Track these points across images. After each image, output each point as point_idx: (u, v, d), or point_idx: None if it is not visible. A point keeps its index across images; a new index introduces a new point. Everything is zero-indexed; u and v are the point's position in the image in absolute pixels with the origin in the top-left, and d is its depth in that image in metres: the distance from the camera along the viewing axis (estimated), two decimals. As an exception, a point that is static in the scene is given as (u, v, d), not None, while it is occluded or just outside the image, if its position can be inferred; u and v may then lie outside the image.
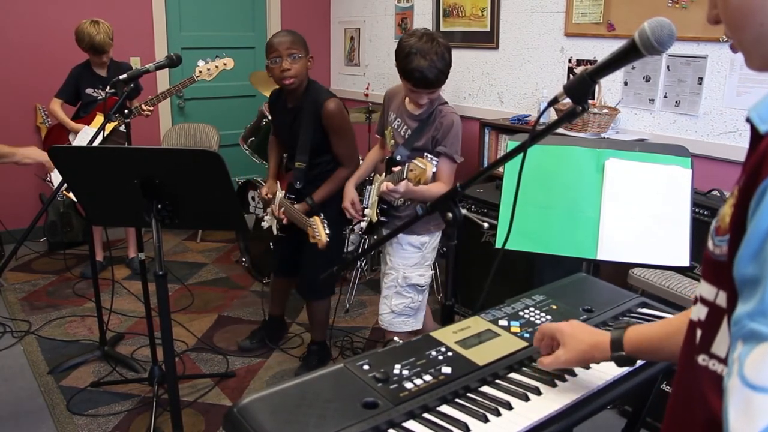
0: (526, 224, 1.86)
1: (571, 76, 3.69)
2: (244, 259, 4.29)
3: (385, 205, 2.52)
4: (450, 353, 1.29)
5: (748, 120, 0.69)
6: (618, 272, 2.63)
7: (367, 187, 2.72)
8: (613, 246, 1.81)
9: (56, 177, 3.30)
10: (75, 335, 3.38)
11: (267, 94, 4.23)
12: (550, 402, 1.18)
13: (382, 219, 2.50)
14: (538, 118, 1.37)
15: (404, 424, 1.09)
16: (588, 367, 1.28)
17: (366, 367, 1.21)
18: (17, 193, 4.59)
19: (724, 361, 0.71)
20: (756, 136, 0.69)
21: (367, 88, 5.37)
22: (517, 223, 1.41)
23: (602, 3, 3.50)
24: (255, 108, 4.34)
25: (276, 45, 2.66)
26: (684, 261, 1.78)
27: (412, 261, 2.52)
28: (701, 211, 2.55)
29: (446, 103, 2.47)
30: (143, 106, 3.21)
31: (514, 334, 1.39)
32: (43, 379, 2.94)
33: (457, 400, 1.17)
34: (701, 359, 0.74)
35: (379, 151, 2.75)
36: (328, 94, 2.75)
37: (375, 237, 2.80)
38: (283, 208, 2.77)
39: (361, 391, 1.14)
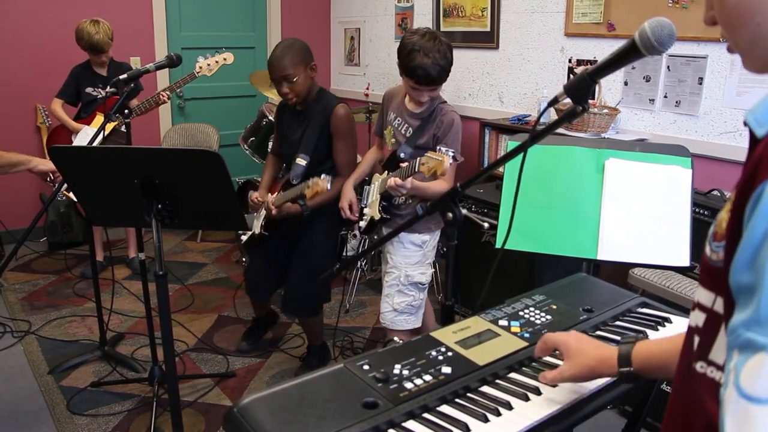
0: (526, 224, 1.86)
1: (571, 76, 3.69)
2: (244, 259, 4.29)
3: (386, 203, 2.53)
4: (450, 353, 1.29)
5: (745, 123, 0.68)
6: (618, 272, 2.63)
7: (365, 187, 2.72)
8: (613, 246, 1.81)
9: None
10: (75, 335, 3.38)
11: (267, 94, 4.24)
12: (550, 402, 1.17)
13: (385, 216, 2.51)
14: (538, 118, 1.37)
15: (404, 424, 1.09)
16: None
17: (366, 367, 1.21)
18: (17, 193, 4.59)
19: (722, 368, 0.70)
20: (753, 139, 0.68)
21: (367, 88, 5.37)
22: (517, 223, 1.41)
23: (602, 3, 3.50)
24: (255, 108, 4.35)
25: (272, 70, 2.66)
26: (684, 261, 1.78)
27: (413, 259, 2.53)
28: (701, 211, 2.55)
29: (445, 102, 2.50)
30: (162, 92, 3.23)
31: (514, 334, 1.39)
32: (43, 379, 2.94)
33: (457, 400, 1.17)
34: (699, 366, 0.73)
35: (376, 151, 2.76)
36: (338, 101, 2.77)
37: (375, 236, 2.81)
38: (272, 202, 2.73)
39: (361, 391, 1.14)
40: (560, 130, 2.84)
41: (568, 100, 1.17)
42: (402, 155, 2.43)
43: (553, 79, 3.88)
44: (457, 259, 1.54)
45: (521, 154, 1.27)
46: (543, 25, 3.89)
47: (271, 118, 3.80)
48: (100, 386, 2.86)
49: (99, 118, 3.84)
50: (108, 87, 2.59)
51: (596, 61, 3.26)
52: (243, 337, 3.29)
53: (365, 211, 2.62)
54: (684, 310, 1.56)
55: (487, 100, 4.35)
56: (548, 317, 1.47)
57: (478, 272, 3.18)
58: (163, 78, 5.03)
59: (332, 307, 3.73)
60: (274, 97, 4.10)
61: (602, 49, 3.56)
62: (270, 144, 3.60)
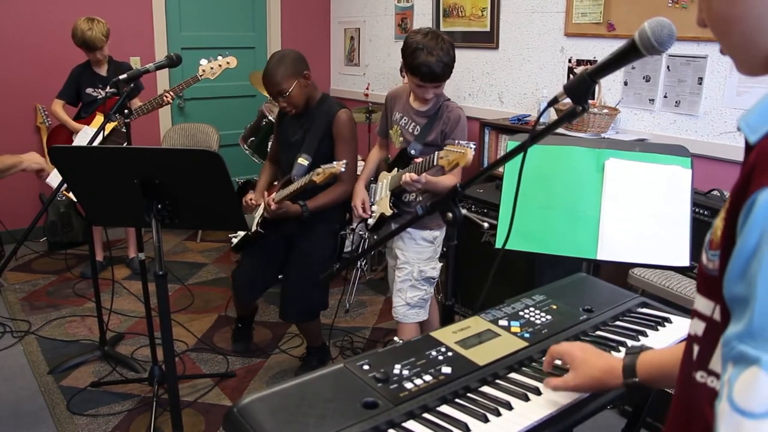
0: (526, 224, 1.86)
1: (571, 76, 3.69)
2: (244, 259, 4.29)
3: (396, 200, 2.59)
4: (450, 353, 1.29)
5: (739, 129, 0.68)
6: (618, 272, 2.63)
7: (372, 185, 2.76)
8: (613, 246, 1.81)
9: (56, 177, 3.30)
10: (75, 335, 3.38)
11: (267, 94, 4.24)
12: (550, 402, 1.17)
13: (396, 212, 2.57)
14: (538, 118, 1.37)
15: (404, 424, 1.09)
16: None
17: (366, 367, 1.21)
18: (17, 193, 4.59)
19: None
20: (747, 145, 0.68)
21: (367, 88, 5.37)
22: (517, 223, 1.41)
23: (602, 3, 3.50)
24: (255, 108, 4.34)
25: (266, 86, 2.70)
26: (684, 261, 1.78)
27: (425, 255, 2.61)
28: (701, 211, 2.55)
29: (449, 99, 2.57)
30: (166, 93, 3.23)
31: (514, 334, 1.39)
32: (43, 379, 2.94)
33: (457, 400, 1.17)
34: (699, 376, 0.72)
35: (380, 151, 2.83)
36: (341, 106, 2.79)
37: (375, 236, 2.82)
38: (272, 197, 2.71)
39: (361, 391, 1.14)
40: (560, 130, 2.84)
41: (568, 100, 1.17)
42: (413, 152, 2.51)
43: (553, 79, 3.88)
44: (457, 259, 1.54)
45: (521, 154, 1.27)
46: (543, 25, 3.89)
47: (271, 118, 3.80)
48: (100, 386, 2.86)
49: (99, 118, 3.84)
50: (108, 87, 2.58)
51: (596, 61, 3.26)
52: (234, 339, 3.28)
53: (373, 208, 2.66)
54: (684, 310, 1.56)
55: (487, 100, 4.35)
56: (548, 317, 1.47)
57: (478, 272, 3.18)
58: (163, 78, 5.03)
59: (332, 307, 3.73)
60: (274, 97, 4.09)
61: (602, 49, 3.56)
62: (270, 144, 3.59)
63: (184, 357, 3.16)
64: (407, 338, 2.14)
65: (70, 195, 3.62)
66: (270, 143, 3.58)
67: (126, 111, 2.52)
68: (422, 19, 4.75)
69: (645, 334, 1.44)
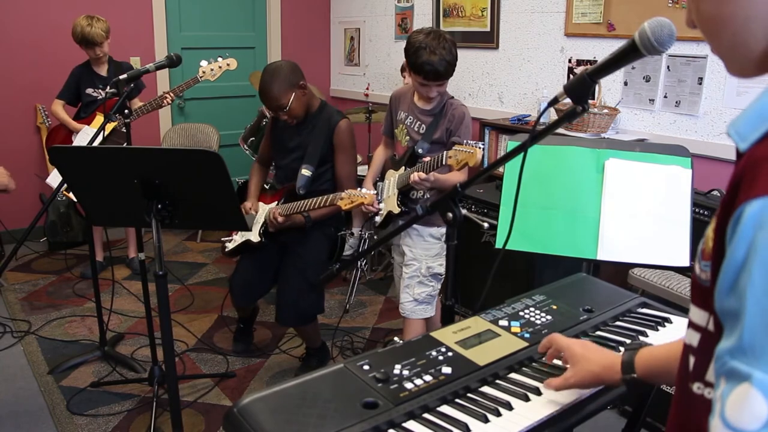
0: (527, 224, 1.86)
1: (571, 76, 3.69)
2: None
3: (403, 197, 2.61)
4: (450, 353, 1.29)
5: (729, 135, 0.66)
6: (618, 272, 2.63)
7: (378, 183, 2.79)
8: (613, 246, 1.80)
9: (56, 177, 3.30)
10: (75, 335, 3.38)
11: (267, 109, 4.23)
12: (550, 402, 1.17)
13: (404, 210, 2.60)
14: (538, 118, 1.37)
15: (404, 425, 1.09)
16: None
17: (366, 367, 1.21)
18: (17, 193, 4.56)
19: None
20: (738, 153, 0.66)
21: (367, 88, 5.37)
22: (517, 223, 1.41)
23: (602, 3, 3.50)
24: (255, 108, 4.35)
25: (265, 102, 2.72)
26: (684, 261, 1.78)
27: (433, 251, 2.63)
28: (701, 211, 2.55)
29: (453, 97, 2.60)
30: (166, 93, 3.23)
31: (515, 334, 1.39)
32: (43, 379, 2.94)
33: (457, 400, 1.17)
34: (696, 387, 0.71)
35: (385, 150, 2.87)
36: (342, 115, 2.82)
37: (375, 237, 2.83)
38: (279, 211, 2.73)
39: (361, 391, 1.14)
40: (560, 130, 2.84)
41: (568, 100, 1.17)
42: (420, 151, 2.55)
43: (553, 79, 3.88)
44: (457, 259, 1.54)
45: (521, 154, 1.27)
46: (543, 25, 3.89)
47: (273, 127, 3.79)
48: (100, 386, 2.86)
49: (99, 118, 3.84)
50: (108, 87, 2.58)
51: (596, 61, 3.26)
52: (235, 339, 3.28)
53: (380, 206, 2.69)
54: (684, 310, 1.56)
55: (487, 100, 4.35)
56: (548, 317, 1.47)
57: (478, 272, 3.18)
58: (163, 78, 5.03)
59: (332, 307, 3.73)
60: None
61: (602, 49, 3.56)
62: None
63: (184, 357, 3.16)
64: (414, 334, 2.16)
65: (70, 195, 3.62)
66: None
67: (126, 111, 2.52)
68: (422, 19, 4.75)
69: (645, 334, 1.44)
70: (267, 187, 3.08)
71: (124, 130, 2.74)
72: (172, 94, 3.27)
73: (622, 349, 1.36)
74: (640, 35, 1.04)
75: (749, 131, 0.64)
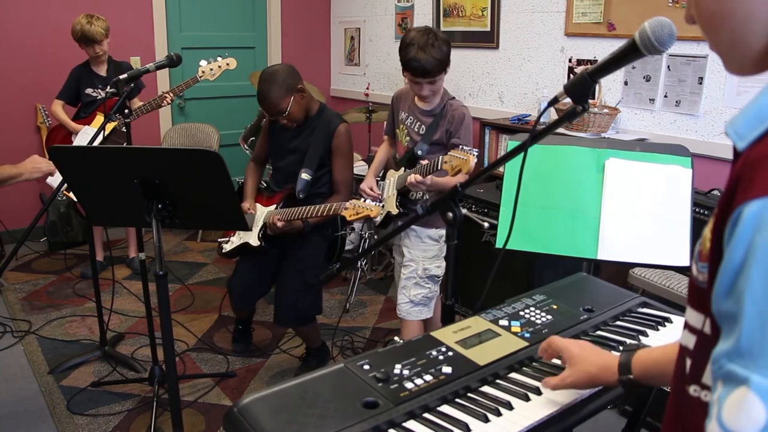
0: (527, 224, 1.86)
1: (572, 75, 3.69)
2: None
3: (402, 198, 2.62)
4: (450, 353, 1.29)
5: (727, 134, 0.66)
6: (618, 272, 2.63)
7: (380, 182, 2.79)
8: (613, 246, 1.80)
9: (56, 177, 3.30)
10: (75, 335, 3.38)
11: (267, 115, 4.23)
12: (550, 402, 1.17)
13: (402, 211, 2.60)
14: (539, 118, 1.37)
15: (404, 424, 1.09)
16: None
17: (366, 367, 1.21)
18: (17, 193, 4.59)
19: None
20: (735, 152, 0.66)
21: (367, 88, 5.36)
22: (517, 223, 1.41)
23: (602, 3, 3.50)
24: (255, 108, 4.34)
25: (264, 108, 2.73)
26: (684, 261, 1.78)
27: (431, 253, 2.63)
28: (701, 210, 2.55)
29: (454, 98, 2.60)
30: (166, 94, 3.23)
31: (515, 333, 1.39)
32: (43, 379, 2.94)
33: (457, 400, 1.17)
34: (692, 390, 0.71)
35: (388, 149, 2.87)
36: (341, 119, 2.82)
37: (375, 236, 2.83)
38: (278, 216, 2.72)
39: (361, 391, 1.14)
40: (560, 130, 2.83)
41: (568, 100, 1.17)
42: (419, 152, 2.54)
43: (553, 79, 3.87)
44: (457, 259, 1.54)
45: (521, 154, 1.27)
46: (543, 25, 3.89)
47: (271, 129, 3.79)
48: (100, 386, 2.86)
49: (99, 118, 3.84)
50: (108, 87, 2.58)
51: (596, 60, 3.26)
52: (234, 339, 3.27)
53: (380, 204, 2.67)
54: (684, 310, 1.56)
55: (487, 99, 4.35)
56: (549, 317, 1.47)
57: (478, 272, 3.18)
58: (163, 78, 5.03)
59: (332, 306, 3.73)
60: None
61: (602, 49, 3.56)
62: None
63: (184, 357, 3.16)
64: (410, 336, 2.15)
65: (70, 195, 3.61)
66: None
67: (126, 111, 2.52)
68: (422, 19, 4.75)
69: (645, 334, 1.44)
70: (263, 186, 3.08)
71: (124, 129, 2.74)
72: (171, 94, 3.27)
73: (621, 349, 1.36)
74: (641, 35, 1.04)
75: (747, 130, 0.64)
